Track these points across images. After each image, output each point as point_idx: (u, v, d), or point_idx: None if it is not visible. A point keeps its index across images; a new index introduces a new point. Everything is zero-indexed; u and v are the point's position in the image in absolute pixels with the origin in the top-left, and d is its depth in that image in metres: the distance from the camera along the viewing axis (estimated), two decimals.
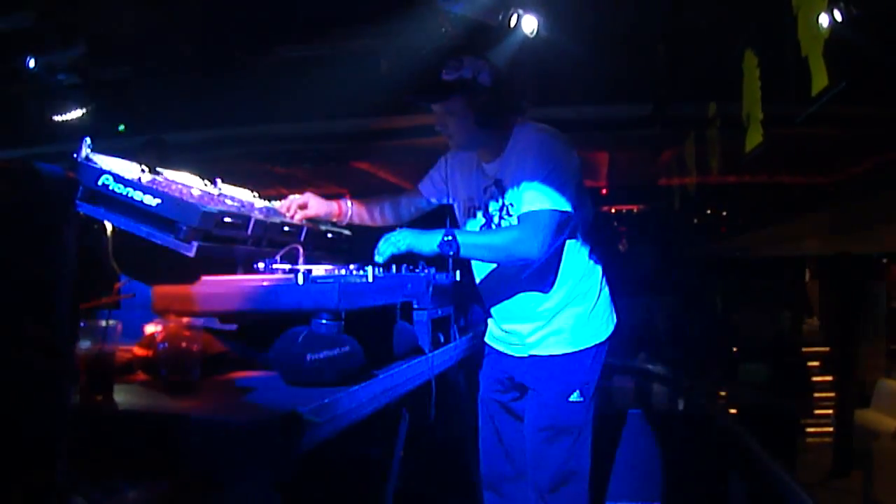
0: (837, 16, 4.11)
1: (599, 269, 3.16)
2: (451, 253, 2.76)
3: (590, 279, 3.11)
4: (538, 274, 3.02)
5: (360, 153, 8.18)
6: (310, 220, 3.21)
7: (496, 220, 3.06)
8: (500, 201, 3.04)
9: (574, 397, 3.01)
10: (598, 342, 3.09)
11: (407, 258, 2.88)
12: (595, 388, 3.08)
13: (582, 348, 3.06)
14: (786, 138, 6.25)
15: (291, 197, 3.22)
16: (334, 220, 3.34)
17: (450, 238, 2.75)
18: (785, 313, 8.42)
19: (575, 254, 3.06)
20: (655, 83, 6.00)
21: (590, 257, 3.11)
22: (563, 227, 2.89)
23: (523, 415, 3.14)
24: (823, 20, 3.94)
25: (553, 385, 3.04)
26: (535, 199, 2.83)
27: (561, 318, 3.07)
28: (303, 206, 3.20)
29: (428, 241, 2.79)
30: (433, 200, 3.41)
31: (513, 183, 2.95)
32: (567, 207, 2.83)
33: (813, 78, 3.87)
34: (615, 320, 3.21)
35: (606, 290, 3.19)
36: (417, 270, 2.89)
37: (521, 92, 3.22)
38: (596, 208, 3.24)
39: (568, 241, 3.03)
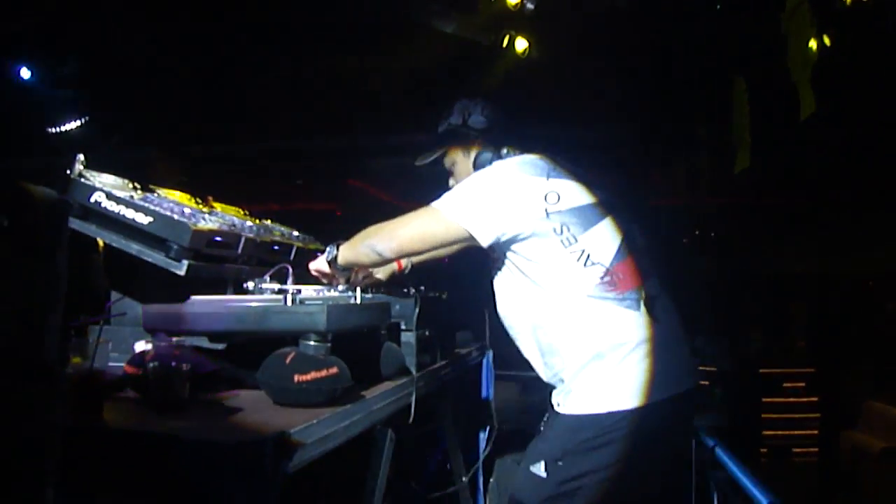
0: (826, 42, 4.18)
1: (633, 318, 2.45)
2: (331, 257, 2.65)
3: (617, 332, 2.44)
4: (552, 335, 2.53)
5: (353, 171, 8.22)
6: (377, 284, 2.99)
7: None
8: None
9: (536, 468, 2.45)
10: (603, 411, 2.39)
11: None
12: (580, 474, 2.38)
13: (577, 413, 2.44)
14: (774, 161, 6.30)
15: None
16: (398, 272, 3.11)
17: (331, 245, 2.67)
18: (758, 336, 8.42)
19: (591, 308, 2.45)
20: (645, 105, 6.05)
21: (618, 303, 2.44)
22: (448, 242, 2.52)
23: None
24: (813, 46, 4.00)
25: (533, 445, 2.56)
26: (446, 198, 2.50)
27: (584, 374, 2.46)
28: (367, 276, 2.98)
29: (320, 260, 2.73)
30: None
31: None
32: (468, 226, 2.43)
33: (802, 103, 3.93)
34: (665, 387, 2.43)
35: (642, 346, 2.44)
36: (405, 291, 2.89)
37: (520, 132, 2.84)
38: (623, 244, 2.52)
39: (568, 287, 2.46)
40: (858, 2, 4.08)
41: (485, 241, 2.46)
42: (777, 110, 4.37)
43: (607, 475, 2.37)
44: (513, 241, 2.47)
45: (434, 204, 2.50)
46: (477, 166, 2.72)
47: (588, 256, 2.45)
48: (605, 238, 2.50)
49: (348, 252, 2.63)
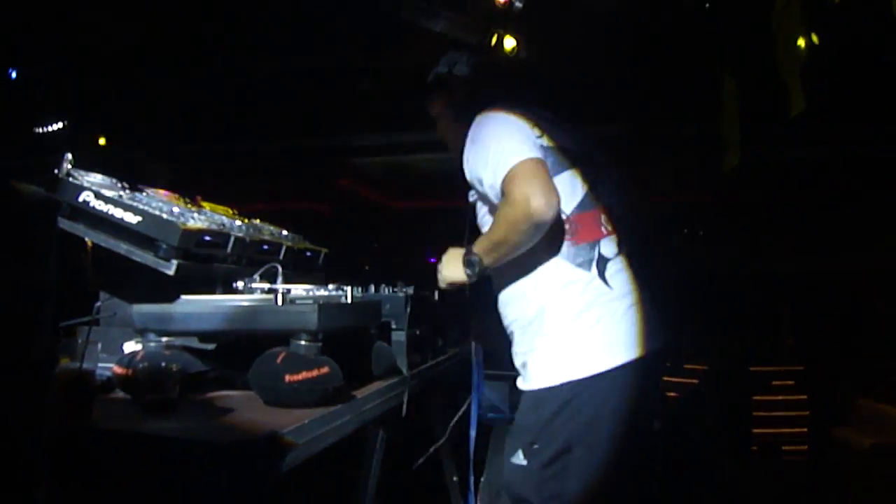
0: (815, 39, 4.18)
1: (584, 279, 2.40)
2: (478, 269, 2.45)
3: (566, 291, 2.40)
4: (506, 283, 2.54)
5: (341, 170, 8.20)
6: None
7: (480, 215, 2.70)
8: (474, 197, 2.68)
9: (516, 458, 2.39)
10: (569, 379, 2.33)
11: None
12: (559, 451, 2.32)
13: (543, 386, 2.39)
14: (764, 159, 6.32)
15: None
16: None
17: (470, 256, 2.46)
18: (747, 337, 8.43)
19: (543, 257, 2.43)
20: (633, 103, 6.05)
21: (570, 260, 2.41)
22: (545, 172, 2.33)
23: None
24: (802, 44, 4.00)
25: (509, 435, 2.51)
26: (499, 165, 2.33)
27: (535, 341, 2.45)
28: None
29: (454, 267, 2.53)
30: None
31: (469, 175, 2.52)
32: (532, 154, 2.33)
33: (791, 101, 3.93)
34: (622, 352, 2.36)
35: (592, 310, 2.38)
36: (396, 290, 2.88)
37: (503, 85, 2.86)
38: (584, 197, 2.49)
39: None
40: (847, 0, 4.08)
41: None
42: (766, 108, 4.38)
43: (586, 448, 2.31)
44: None
45: (505, 171, 2.32)
46: (459, 112, 2.72)
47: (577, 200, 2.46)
48: (571, 186, 2.46)
49: (498, 250, 2.44)
